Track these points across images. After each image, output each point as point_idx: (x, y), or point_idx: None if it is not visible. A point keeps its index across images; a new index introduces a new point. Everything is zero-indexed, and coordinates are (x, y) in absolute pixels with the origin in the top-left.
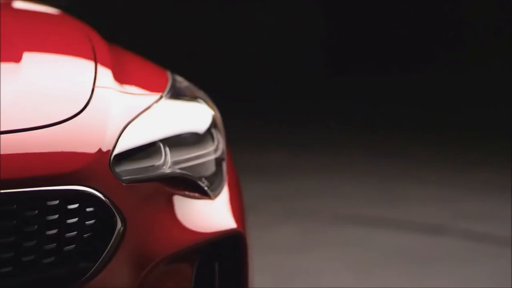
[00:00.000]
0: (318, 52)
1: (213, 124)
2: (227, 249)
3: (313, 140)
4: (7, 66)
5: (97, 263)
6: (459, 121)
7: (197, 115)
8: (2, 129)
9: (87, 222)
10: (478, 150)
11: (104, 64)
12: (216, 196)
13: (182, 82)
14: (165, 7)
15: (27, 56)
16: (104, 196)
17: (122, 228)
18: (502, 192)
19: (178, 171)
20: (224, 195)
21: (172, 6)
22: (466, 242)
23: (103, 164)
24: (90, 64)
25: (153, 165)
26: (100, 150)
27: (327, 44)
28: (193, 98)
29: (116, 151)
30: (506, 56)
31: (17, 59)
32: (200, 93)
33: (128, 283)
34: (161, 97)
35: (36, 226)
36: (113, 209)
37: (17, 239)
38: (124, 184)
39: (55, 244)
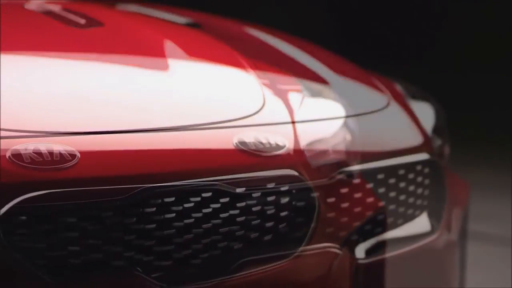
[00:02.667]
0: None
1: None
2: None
3: None
4: (174, 69)
5: (305, 240)
6: (459, 121)
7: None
8: (206, 121)
9: (293, 203)
10: (478, 150)
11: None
12: None
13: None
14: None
15: (186, 60)
16: (305, 178)
17: (318, 210)
18: (502, 192)
19: None
20: None
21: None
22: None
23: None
24: (239, 65)
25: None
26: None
27: (328, 42)
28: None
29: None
30: (507, 56)
31: (181, 61)
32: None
33: (324, 261)
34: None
35: (260, 207)
36: (313, 190)
37: (247, 219)
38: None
39: (273, 222)
